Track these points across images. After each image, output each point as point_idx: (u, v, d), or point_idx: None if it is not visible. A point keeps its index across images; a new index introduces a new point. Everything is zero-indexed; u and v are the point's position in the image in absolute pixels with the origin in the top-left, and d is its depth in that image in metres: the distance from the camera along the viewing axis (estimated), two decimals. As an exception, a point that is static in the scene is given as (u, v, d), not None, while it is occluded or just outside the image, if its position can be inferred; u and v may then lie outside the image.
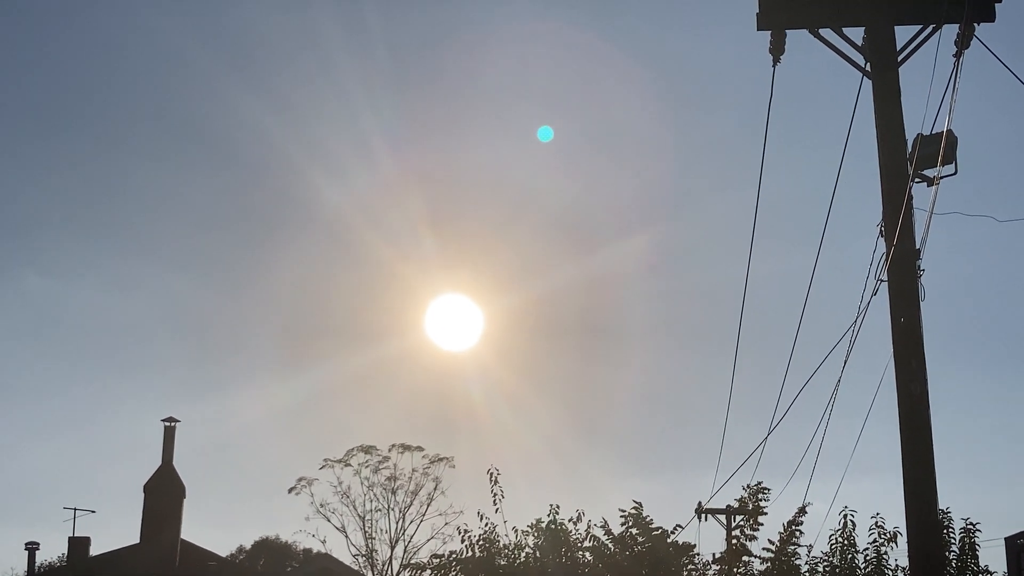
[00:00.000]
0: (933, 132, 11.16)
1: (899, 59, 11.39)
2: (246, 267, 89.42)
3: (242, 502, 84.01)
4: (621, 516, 20.70)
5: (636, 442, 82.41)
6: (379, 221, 75.34)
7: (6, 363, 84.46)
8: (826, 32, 11.72)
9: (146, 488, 36.31)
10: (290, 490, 55.14)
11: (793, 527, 21.23)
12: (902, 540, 20.62)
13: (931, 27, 11.40)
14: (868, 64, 11.49)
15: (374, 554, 55.16)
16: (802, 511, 21.26)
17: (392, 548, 55.20)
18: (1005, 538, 40.33)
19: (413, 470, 55.99)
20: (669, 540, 20.85)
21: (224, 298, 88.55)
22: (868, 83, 11.45)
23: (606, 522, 20.67)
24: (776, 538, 21.34)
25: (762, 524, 21.90)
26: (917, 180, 11.17)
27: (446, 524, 53.01)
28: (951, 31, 11.36)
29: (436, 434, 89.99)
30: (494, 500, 20.78)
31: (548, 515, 20.61)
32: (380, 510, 55.46)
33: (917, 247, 10.99)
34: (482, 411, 64.40)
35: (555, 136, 79.33)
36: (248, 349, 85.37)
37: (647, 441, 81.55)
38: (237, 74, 78.34)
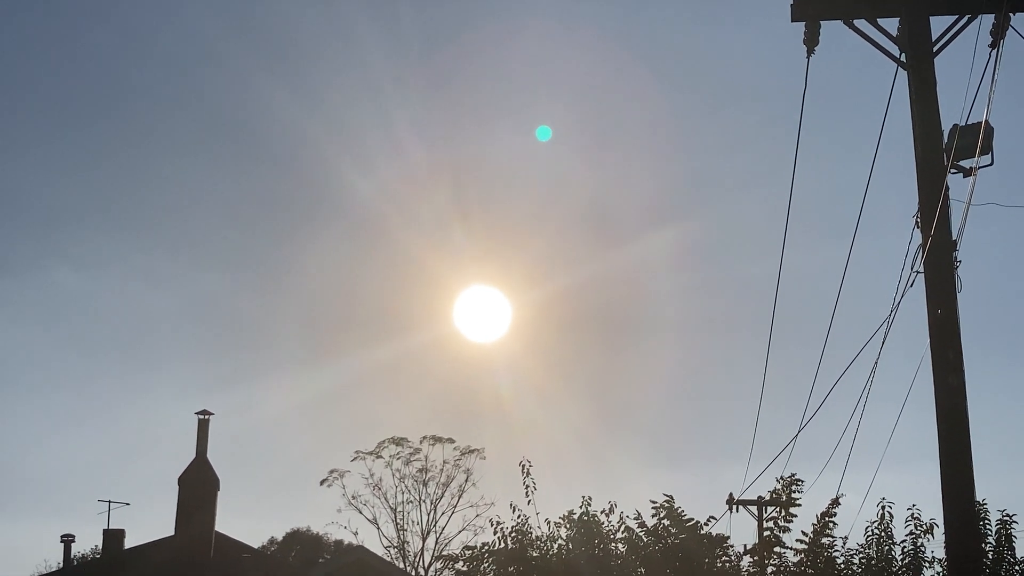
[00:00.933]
0: (969, 123, 11.12)
1: (934, 49, 11.35)
2: (277, 259, 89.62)
3: (272, 494, 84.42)
4: (652, 508, 20.68)
5: (664, 434, 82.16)
6: (409, 213, 75.16)
7: (39, 357, 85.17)
8: (860, 23, 11.68)
9: (180, 480, 36.53)
10: (322, 482, 55.42)
11: (827, 519, 21.17)
12: (938, 531, 20.61)
13: (967, 17, 11.35)
14: (903, 55, 11.46)
15: (406, 546, 55.43)
16: (835, 502, 21.18)
17: (424, 540, 55.39)
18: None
19: (444, 462, 56.09)
20: (703, 532, 20.84)
21: (255, 290, 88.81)
22: (903, 74, 11.42)
23: (639, 514, 20.66)
24: (809, 529, 21.29)
25: (795, 516, 21.83)
26: (953, 171, 11.13)
27: (477, 516, 53.07)
28: (986, 21, 11.33)
29: (464, 425, 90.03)
30: (526, 492, 20.82)
31: (580, 507, 20.63)
32: (411, 502, 55.57)
33: (953, 238, 10.96)
34: (510, 403, 64.30)
35: (582, 129, 79.29)
36: (279, 341, 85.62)
37: (675, 433, 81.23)
38: (267, 66, 78.42)
